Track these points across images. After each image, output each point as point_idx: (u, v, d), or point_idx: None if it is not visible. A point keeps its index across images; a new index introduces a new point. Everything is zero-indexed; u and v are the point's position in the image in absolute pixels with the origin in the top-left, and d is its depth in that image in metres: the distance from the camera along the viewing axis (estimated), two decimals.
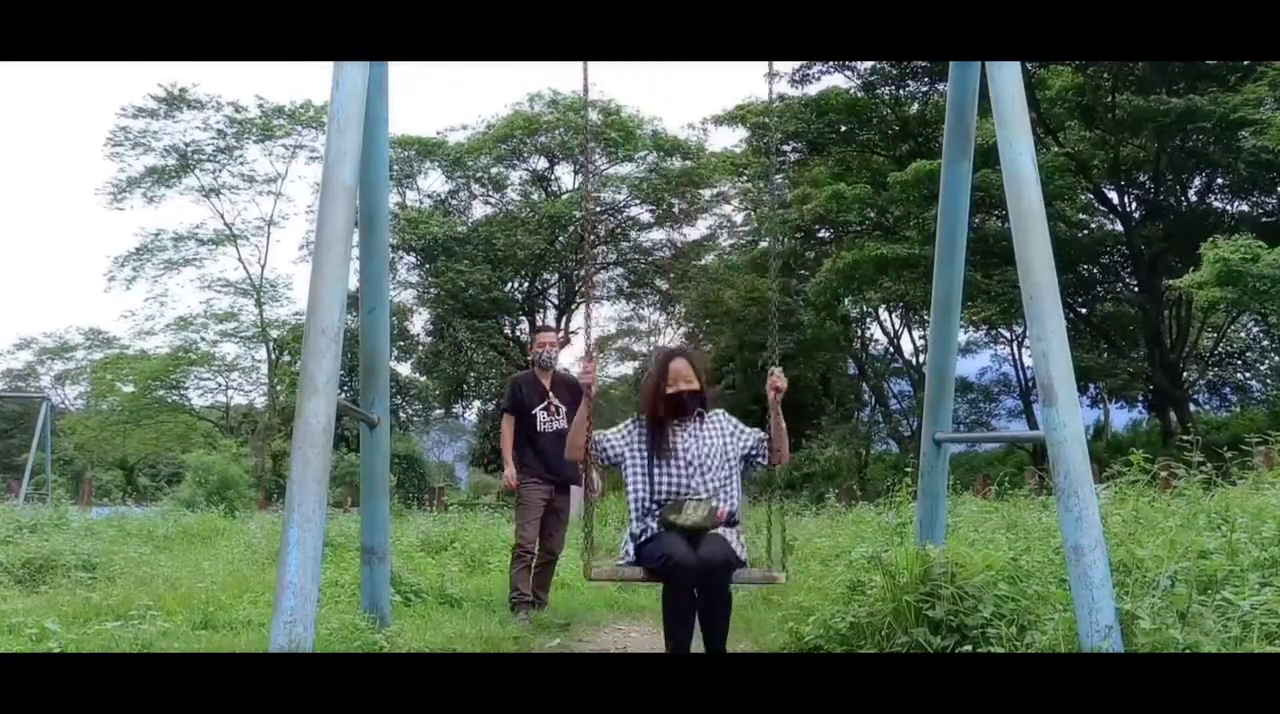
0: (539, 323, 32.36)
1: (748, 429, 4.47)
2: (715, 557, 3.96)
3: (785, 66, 24.16)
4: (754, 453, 4.39)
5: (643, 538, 4.22)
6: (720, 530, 4.09)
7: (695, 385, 4.34)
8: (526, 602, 6.29)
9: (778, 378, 4.20)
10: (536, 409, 6.49)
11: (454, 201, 32.23)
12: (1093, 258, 23.37)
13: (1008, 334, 27.52)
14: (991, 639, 3.83)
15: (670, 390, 4.31)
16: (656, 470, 4.27)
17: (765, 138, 25.16)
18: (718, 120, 27.75)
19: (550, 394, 6.51)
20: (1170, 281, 17.18)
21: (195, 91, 29.72)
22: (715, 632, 4.06)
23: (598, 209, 30.55)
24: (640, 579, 4.25)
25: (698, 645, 4.11)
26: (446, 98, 55.71)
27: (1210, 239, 15.68)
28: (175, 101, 29.57)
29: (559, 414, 6.48)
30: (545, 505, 6.44)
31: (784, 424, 4.34)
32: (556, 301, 32.77)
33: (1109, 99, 19.90)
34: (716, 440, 4.35)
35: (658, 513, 4.19)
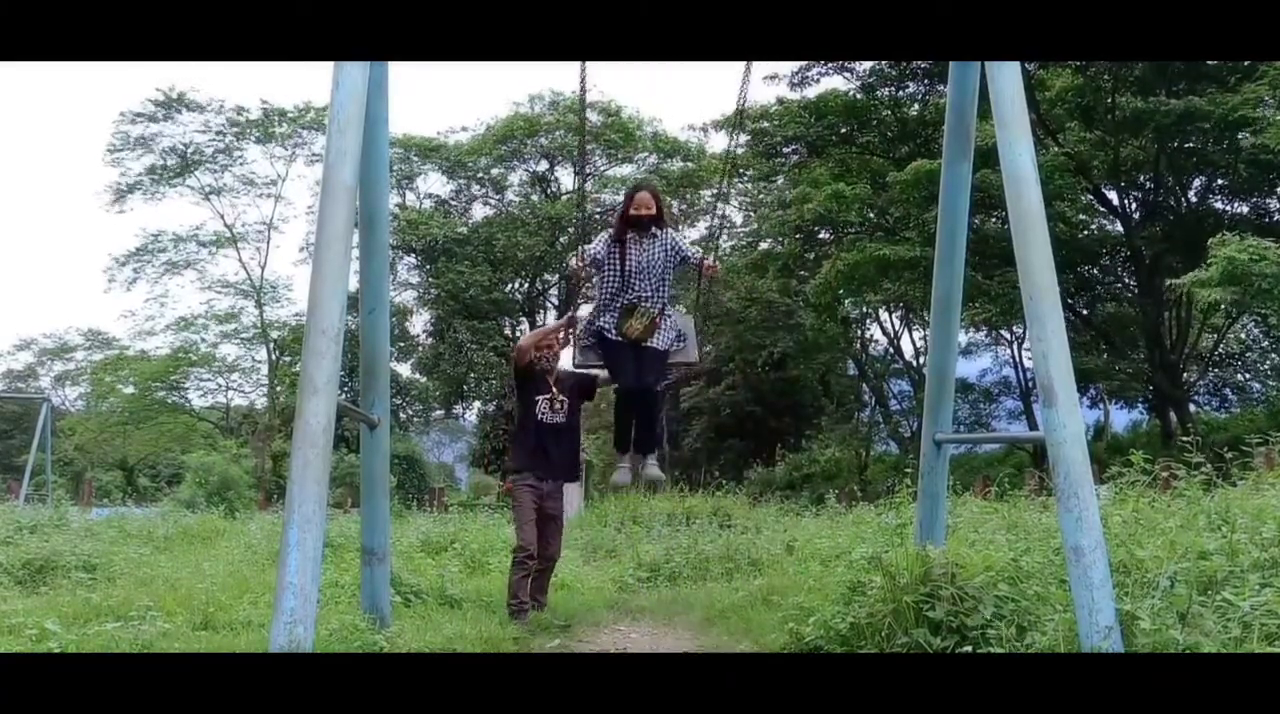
0: (539, 324, 32.35)
1: (687, 247, 6.15)
2: (649, 381, 5.95)
3: (784, 69, 24.16)
4: (686, 261, 6.06)
5: (606, 333, 5.93)
6: (655, 341, 5.88)
7: (653, 211, 5.93)
8: (526, 609, 6.25)
9: (711, 266, 6.13)
10: (540, 397, 6.50)
11: (454, 202, 32.23)
12: (1093, 258, 23.32)
13: (1008, 335, 27.50)
14: (991, 640, 3.83)
15: (633, 213, 5.91)
16: (622, 272, 5.87)
17: (764, 140, 25.11)
18: (717, 125, 27.74)
19: (554, 389, 6.55)
20: (1173, 281, 17.11)
21: (195, 94, 29.76)
22: (642, 424, 6.09)
23: (598, 210, 30.55)
24: (601, 366, 6.16)
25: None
26: (446, 98, 55.78)
27: (1219, 235, 15.65)
28: (175, 104, 29.55)
29: (561, 410, 6.51)
30: (538, 508, 6.40)
31: (710, 278, 6.35)
32: (556, 302, 32.76)
33: (1109, 100, 19.89)
34: (659, 253, 5.95)
35: (616, 308, 5.87)
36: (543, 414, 6.49)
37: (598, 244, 6.06)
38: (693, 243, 29.89)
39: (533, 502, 6.38)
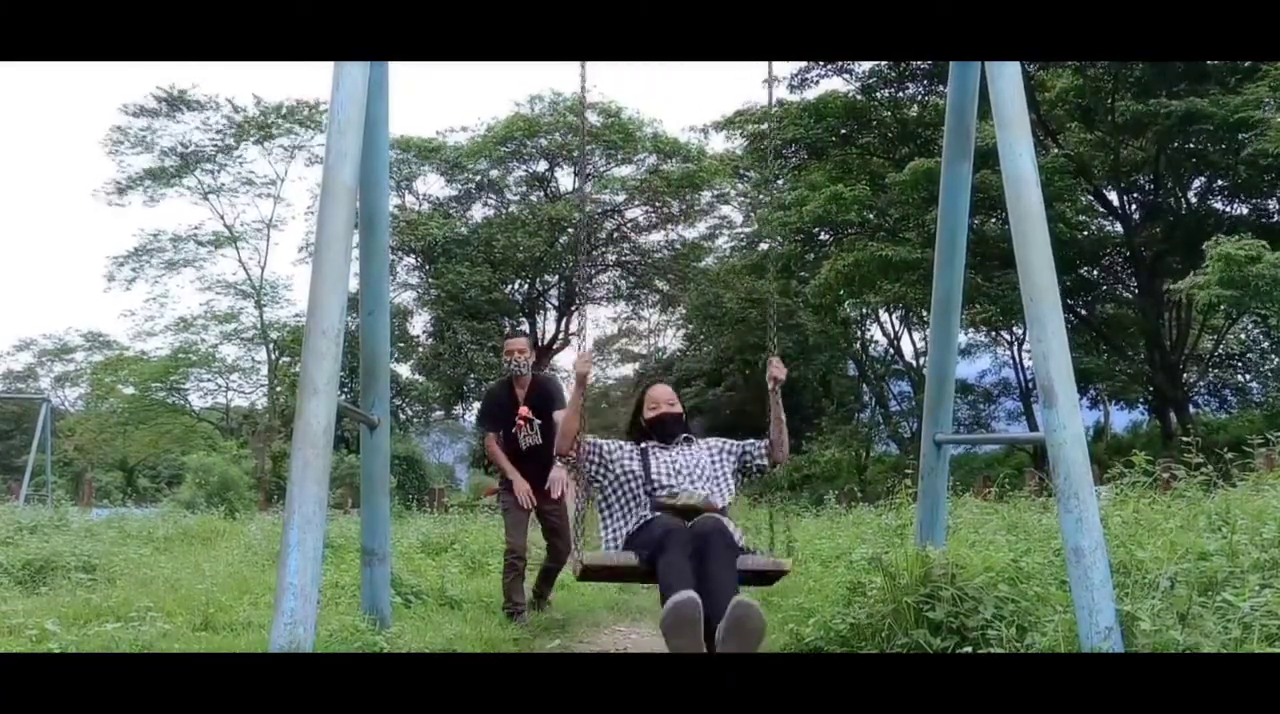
0: (539, 325, 32.36)
1: (737, 441, 4.43)
2: (709, 526, 3.74)
3: (783, 71, 24.18)
4: (749, 455, 4.35)
5: (635, 526, 4.01)
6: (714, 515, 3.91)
7: (677, 408, 4.37)
8: (521, 610, 6.20)
9: (776, 367, 4.17)
10: (514, 427, 6.24)
11: (454, 204, 32.23)
12: (1093, 260, 23.35)
13: (1008, 337, 27.52)
14: (991, 641, 3.83)
15: (652, 414, 4.34)
16: (647, 475, 4.14)
17: (764, 142, 25.11)
18: (717, 127, 27.77)
19: (524, 406, 6.19)
20: (1171, 286, 17.12)
21: (194, 92, 29.78)
22: (718, 594, 3.42)
23: (597, 211, 30.56)
24: (632, 564, 3.84)
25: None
26: (446, 98, 55.83)
27: (1214, 238, 15.68)
28: (176, 102, 29.57)
29: (533, 429, 6.21)
30: (528, 510, 6.31)
31: (783, 416, 4.27)
32: (556, 303, 32.76)
33: (1109, 101, 19.89)
34: (704, 455, 4.29)
35: (639, 512, 4.04)
36: (520, 440, 6.24)
37: (612, 446, 4.32)
38: (689, 240, 29.80)
39: (520, 506, 6.29)
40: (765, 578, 4.06)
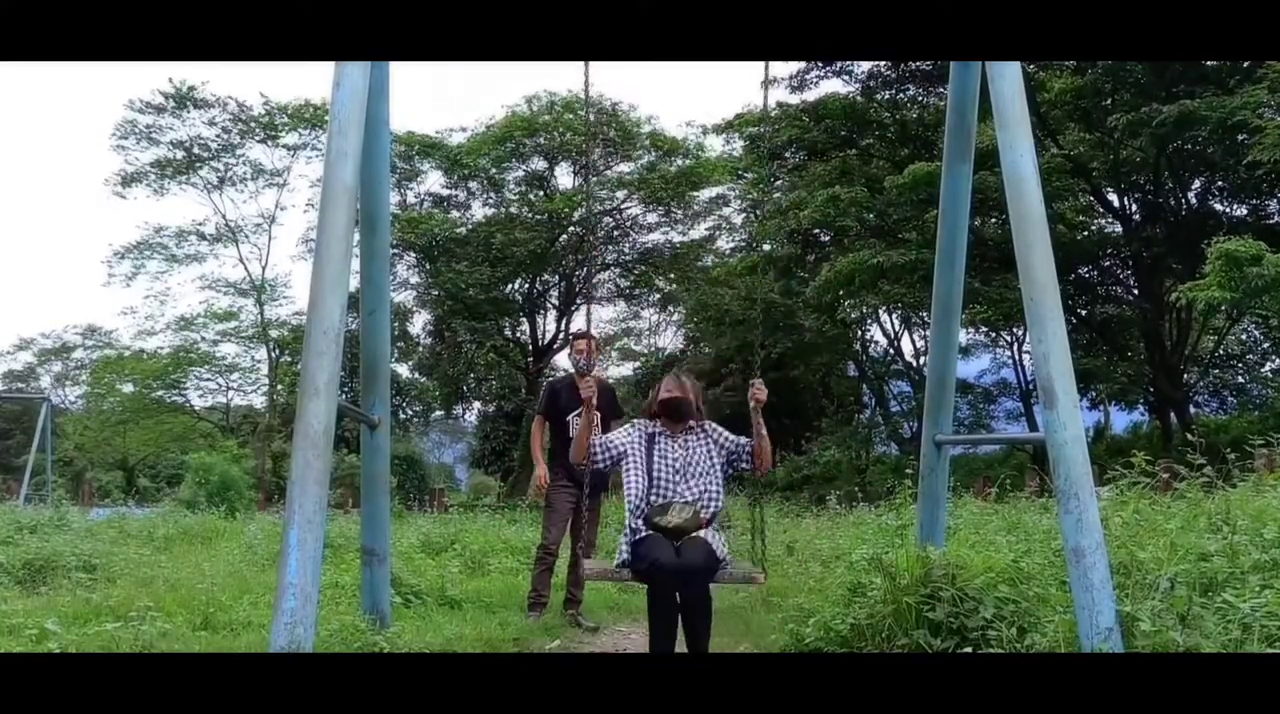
0: (539, 325, 32.37)
1: (734, 436, 4.72)
2: (695, 561, 4.21)
3: (783, 72, 24.15)
4: (735, 456, 4.66)
5: (635, 537, 4.44)
6: (702, 533, 4.34)
7: (683, 395, 4.69)
8: (543, 603, 6.34)
9: (758, 389, 4.53)
10: (572, 415, 6.45)
11: (453, 202, 32.22)
12: (1092, 260, 23.33)
13: (1008, 337, 27.51)
14: (992, 641, 3.83)
15: (665, 396, 4.69)
16: (652, 471, 4.56)
17: (761, 145, 25.08)
18: (717, 130, 27.74)
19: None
20: (1174, 296, 17.04)
21: (203, 90, 29.68)
22: (696, 635, 4.31)
23: (596, 210, 30.54)
24: (627, 579, 4.52)
25: (681, 648, 4.36)
26: (446, 97, 55.86)
27: (1214, 239, 15.66)
28: (183, 99, 29.51)
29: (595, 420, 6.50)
30: (572, 509, 6.42)
31: (765, 432, 4.57)
32: (557, 302, 32.74)
33: (1108, 102, 19.87)
34: (702, 448, 4.63)
35: (647, 511, 4.46)
36: (575, 430, 6.43)
37: (618, 437, 4.77)
38: (689, 240, 29.67)
39: (568, 504, 6.42)
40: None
